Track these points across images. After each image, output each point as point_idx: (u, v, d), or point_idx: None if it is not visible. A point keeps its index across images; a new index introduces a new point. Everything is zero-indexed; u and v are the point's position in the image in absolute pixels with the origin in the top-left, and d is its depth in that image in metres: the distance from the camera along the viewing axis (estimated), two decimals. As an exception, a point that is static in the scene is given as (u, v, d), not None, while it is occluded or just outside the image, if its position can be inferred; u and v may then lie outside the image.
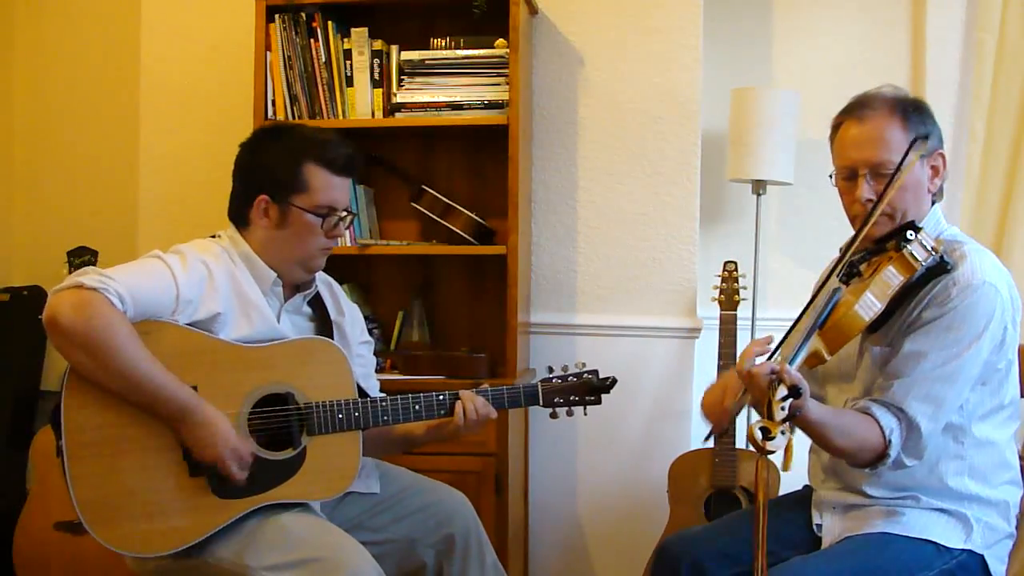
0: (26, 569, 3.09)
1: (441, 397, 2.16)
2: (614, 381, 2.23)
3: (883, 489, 2.02)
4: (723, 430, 2.03)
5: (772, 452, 1.61)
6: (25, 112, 3.86)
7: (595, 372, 2.24)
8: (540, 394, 2.21)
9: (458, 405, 2.15)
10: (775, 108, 3.11)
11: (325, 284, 2.31)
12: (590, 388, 2.23)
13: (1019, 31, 3.13)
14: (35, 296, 3.66)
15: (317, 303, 2.26)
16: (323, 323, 2.24)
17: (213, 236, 2.18)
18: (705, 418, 2.02)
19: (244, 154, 2.19)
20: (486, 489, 2.81)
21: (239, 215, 2.17)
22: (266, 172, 2.13)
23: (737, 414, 1.94)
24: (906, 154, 1.92)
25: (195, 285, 2.00)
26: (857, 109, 2.02)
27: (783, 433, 1.60)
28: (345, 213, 2.16)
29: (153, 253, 2.03)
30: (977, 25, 3.17)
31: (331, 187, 2.12)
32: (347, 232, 3.00)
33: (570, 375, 2.23)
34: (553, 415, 2.23)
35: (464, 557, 2.24)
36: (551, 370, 2.25)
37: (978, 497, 1.99)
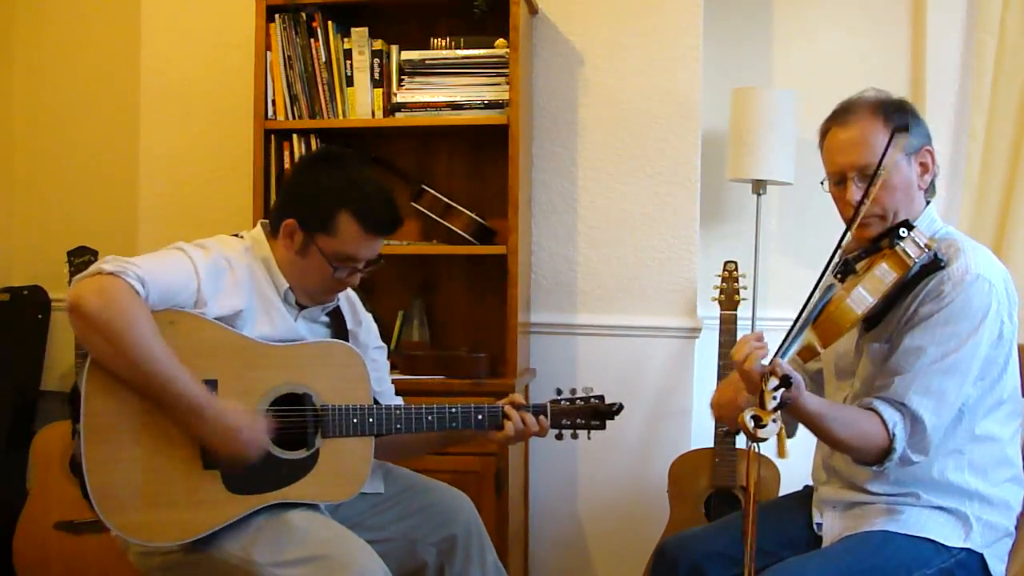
0: (26, 569, 3.09)
1: (453, 410, 2.16)
2: (620, 407, 2.24)
3: (885, 485, 2.02)
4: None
5: (763, 440, 1.65)
6: (25, 112, 3.86)
7: (601, 397, 2.25)
8: (549, 415, 2.22)
9: (507, 424, 2.17)
10: (775, 108, 3.11)
11: (344, 296, 2.30)
12: (596, 413, 2.24)
13: (1019, 31, 3.13)
14: (35, 296, 3.66)
15: (335, 312, 2.26)
16: (339, 332, 2.24)
17: (236, 235, 2.17)
18: (719, 418, 2.02)
19: (296, 170, 2.19)
20: (486, 489, 2.81)
21: (274, 224, 2.15)
22: (304, 199, 2.11)
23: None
24: (886, 149, 1.92)
25: (216, 278, 2.01)
26: (840, 115, 2.05)
27: (774, 421, 1.64)
28: (364, 265, 2.14)
29: (177, 245, 2.04)
30: (977, 25, 3.17)
31: (358, 242, 2.09)
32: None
33: (578, 398, 2.24)
34: (559, 436, 2.25)
35: (465, 556, 2.24)
36: (559, 392, 2.26)
37: (979, 494, 1.99)
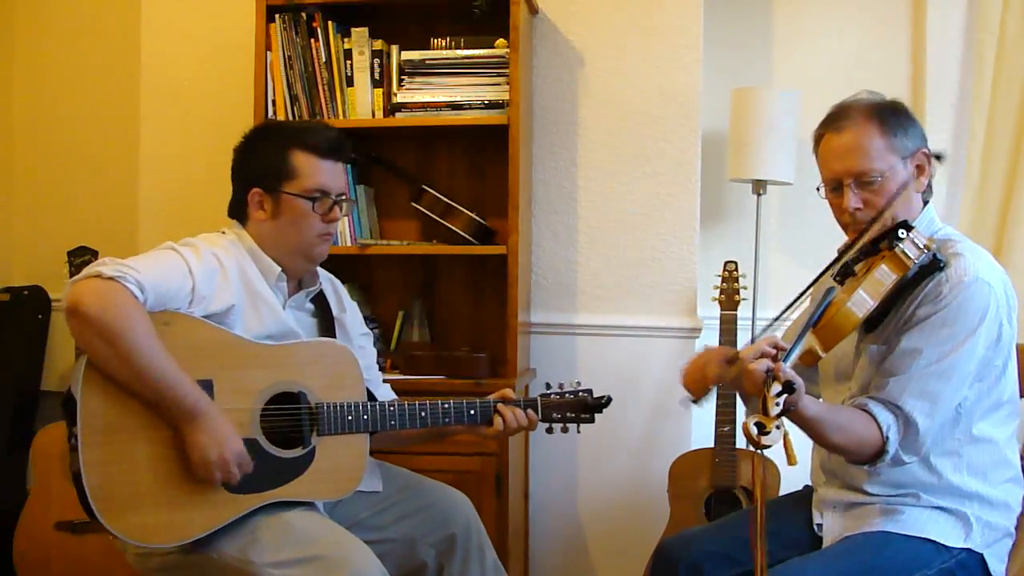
0: (26, 569, 3.09)
1: (446, 406, 2.20)
2: (609, 400, 2.29)
3: (884, 487, 2.02)
4: (701, 397, 2.04)
5: (767, 447, 1.64)
6: (25, 112, 3.86)
7: (590, 391, 2.30)
8: (540, 409, 2.25)
9: (496, 419, 2.22)
10: (775, 108, 3.11)
11: (328, 281, 2.35)
12: (585, 406, 2.28)
13: (1019, 31, 3.13)
14: (35, 296, 3.66)
15: (319, 300, 2.28)
16: (325, 319, 2.27)
17: (221, 232, 2.20)
18: (686, 389, 2.05)
19: (237, 155, 2.24)
20: (486, 489, 2.80)
21: (238, 213, 2.21)
22: (256, 165, 2.18)
23: (717, 384, 1.98)
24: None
25: (209, 277, 2.03)
26: (835, 120, 2.04)
27: (777, 428, 1.63)
28: (339, 197, 2.19)
29: (167, 245, 2.05)
30: (977, 25, 3.17)
31: (319, 170, 2.15)
32: (345, 221, 3.00)
33: (567, 392, 2.29)
34: (549, 430, 2.28)
35: (465, 556, 2.25)
36: (548, 386, 2.30)
37: (979, 495, 1.99)
